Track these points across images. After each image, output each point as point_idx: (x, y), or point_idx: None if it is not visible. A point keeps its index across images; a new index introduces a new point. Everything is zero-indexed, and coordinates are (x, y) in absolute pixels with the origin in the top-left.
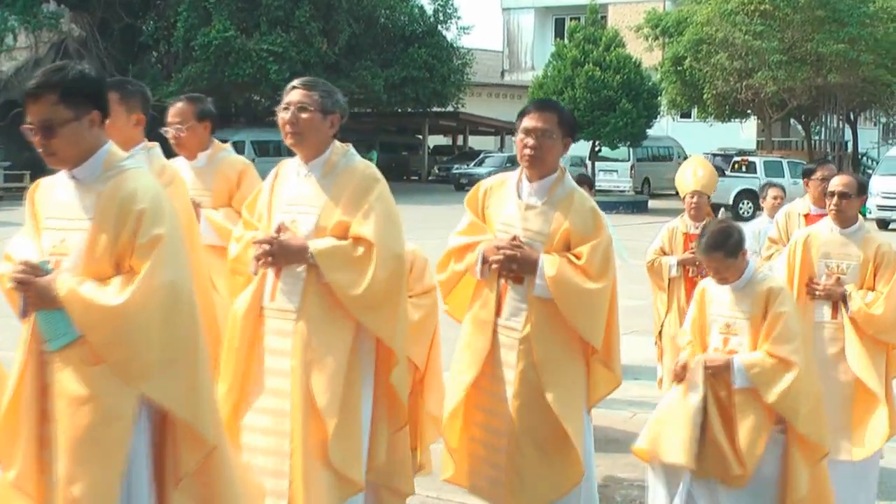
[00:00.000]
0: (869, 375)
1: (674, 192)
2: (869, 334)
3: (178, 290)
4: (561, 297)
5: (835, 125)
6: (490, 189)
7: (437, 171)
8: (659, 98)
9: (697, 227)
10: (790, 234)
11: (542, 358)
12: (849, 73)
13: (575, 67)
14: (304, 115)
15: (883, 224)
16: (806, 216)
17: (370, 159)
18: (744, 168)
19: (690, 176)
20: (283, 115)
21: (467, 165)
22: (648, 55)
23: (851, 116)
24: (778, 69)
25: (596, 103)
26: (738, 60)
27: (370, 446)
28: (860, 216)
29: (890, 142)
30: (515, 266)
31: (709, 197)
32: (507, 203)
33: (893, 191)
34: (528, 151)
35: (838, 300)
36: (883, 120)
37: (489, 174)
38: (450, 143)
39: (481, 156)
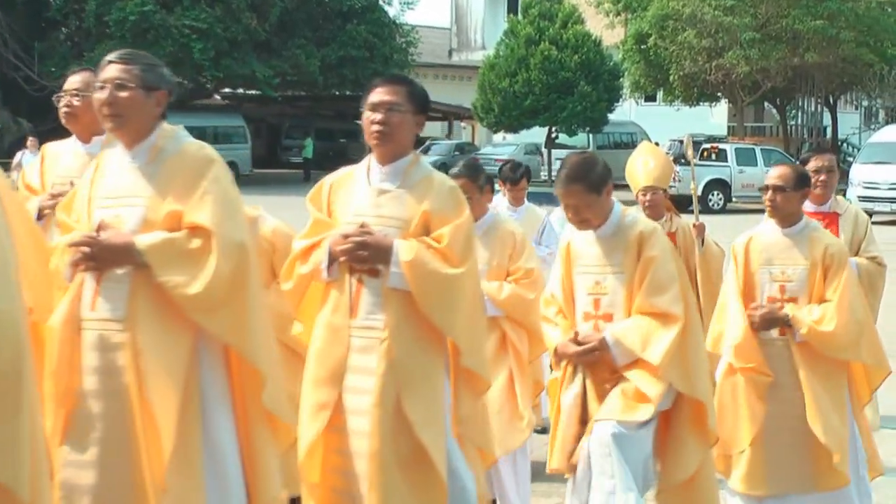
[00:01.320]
0: (824, 427)
1: None
2: (825, 355)
3: None
4: (417, 285)
5: (812, 109)
6: (336, 183)
7: None
8: (621, 80)
9: None
10: None
11: (400, 359)
12: (827, 51)
13: (529, 46)
14: (122, 94)
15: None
16: None
17: (304, 146)
18: (714, 156)
19: (641, 169)
20: (98, 96)
21: None
22: (609, 33)
23: (830, 99)
24: (750, 48)
25: (552, 86)
26: (708, 38)
27: (248, 483)
28: (844, 200)
29: (872, 127)
30: (366, 254)
31: (665, 191)
32: (356, 192)
33: (876, 180)
34: (375, 128)
35: (782, 326)
36: (864, 103)
37: (436, 163)
38: None
39: (427, 143)
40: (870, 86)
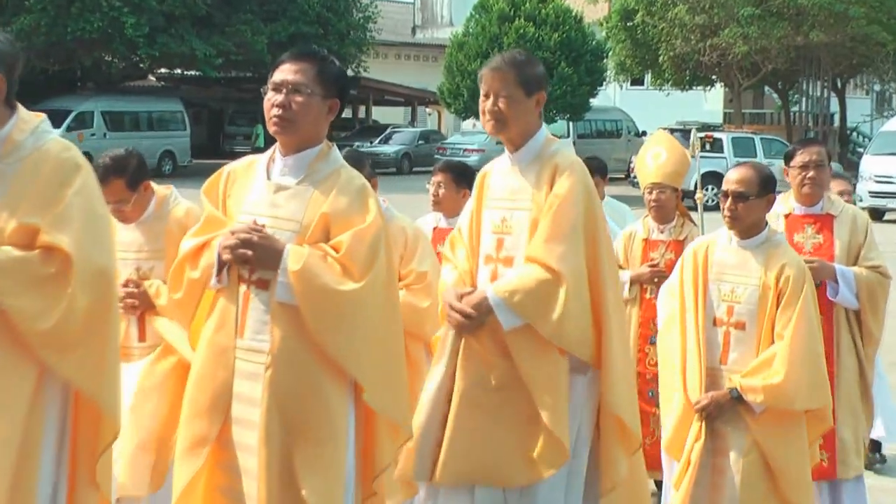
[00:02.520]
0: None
1: (623, 175)
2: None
3: None
4: (306, 300)
5: (818, 94)
6: (234, 173)
7: None
8: (605, 61)
9: (663, 232)
10: None
11: (287, 392)
12: (835, 29)
13: (503, 23)
14: None
15: (876, 214)
16: (787, 217)
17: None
18: (708, 146)
19: (650, 162)
20: None
21: (371, 143)
22: (592, 8)
23: (838, 83)
24: (749, 25)
25: None
26: (701, 14)
27: None
28: (840, 200)
29: (885, 114)
30: (250, 254)
31: (677, 190)
32: (253, 187)
33: (889, 173)
34: (275, 112)
35: (727, 403)
36: (876, 87)
37: (398, 154)
38: (350, 115)
39: (388, 131)
40: (882, 68)
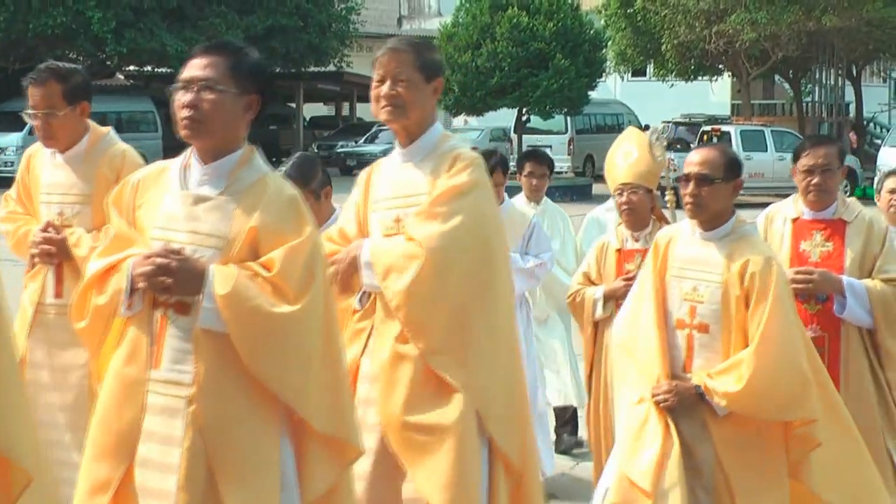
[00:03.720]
0: None
1: None
2: (756, 423)
3: None
4: (236, 326)
5: (832, 82)
6: (144, 181)
7: (316, 150)
8: (604, 51)
9: (638, 240)
10: (771, 246)
11: (214, 426)
12: (849, 13)
13: (495, 12)
14: None
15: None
16: (795, 221)
17: None
18: (715, 140)
19: (620, 161)
20: None
21: (355, 142)
22: None
23: (853, 70)
24: (757, 10)
25: (523, 59)
26: (706, 0)
27: None
28: (856, 203)
29: None
30: (169, 282)
31: (651, 191)
32: (166, 197)
33: None
34: (185, 113)
35: (690, 398)
36: (894, 74)
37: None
38: (332, 113)
39: (373, 129)
40: None
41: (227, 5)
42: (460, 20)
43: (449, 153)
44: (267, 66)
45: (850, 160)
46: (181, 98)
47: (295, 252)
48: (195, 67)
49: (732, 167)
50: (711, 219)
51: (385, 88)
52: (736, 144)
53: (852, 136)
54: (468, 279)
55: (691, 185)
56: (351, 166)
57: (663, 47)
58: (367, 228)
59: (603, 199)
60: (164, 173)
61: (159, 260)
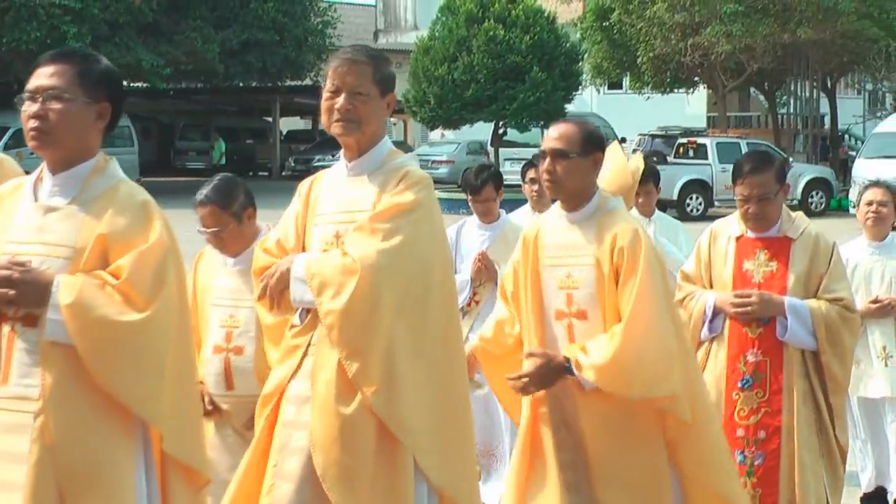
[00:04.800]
0: None
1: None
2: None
3: None
4: (82, 337)
5: (807, 94)
6: (1, 198)
7: (292, 165)
8: (580, 64)
9: None
10: (714, 266)
11: (62, 444)
12: (823, 26)
13: (471, 25)
14: None
15: None
16: (738, 239)
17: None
18: (691, 152)
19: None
20: None
21: (332, 156)
22: (565, 8)
23: (828, 83)
24: (733, 23)
25: (499, 72)
26: (682, 12)
27: None
28: (803, 219)
29: (878, 114)
30: (13, 294)
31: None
32: (19, 210)
33: (886, 178)
34: (32, 124)
35: (556, 374)
36: (868, 87)
37: None
38: (309, 126)
39: None
40: (874, 66)
41: (203, 20)
42: (437, 33)
43: (397, 170)
44: (117, 74)
45: (826, 172)
46: (27, 109)
47: (143, 258)
48: (42, 76)
49: (589, 141)
50: (571, 197)
51: (341, 101)
52: (712, 156)
53: (843, 149)
54: (401, 302)
55: (547, 161)
56: None
57: (639, 60)
58: (305, 241)
59: None
60: (20, 188)
61: (2, 272)
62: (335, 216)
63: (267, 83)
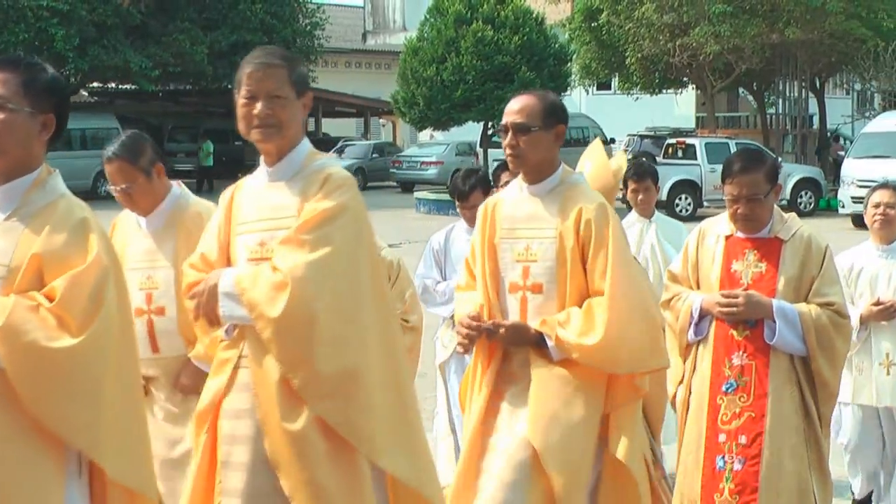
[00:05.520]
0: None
1: None
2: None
3: None
4: (12, 363)
5: (795, 94)
6: None
7: None
8: (569, 65)
9: None
10: (701, 266)
11: None
12: (812, 26)
13: (460, 26)
14: None
15: (859, 222)
16: (728, 239)
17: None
18: (680, 152)
19: None
20: None
21: None
22: (554, 9)
23: (817, 83)
24: (721, 23)
25: (488, 72)
26: (670, 13)
27: None
28: (796, 220)
29: (867, 114)
30: None
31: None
32: None
33: (873, 178)
34: None
35: (527, 339)
36: (857, 87)
37: (351, 168)
38: None
39: (340, 144)
40: (862, 66)
41: (191, 22)
42: (425, 34)
43: (318, 172)
44: (62, 84)
45: (815, 172)
46: None
47: (78, 280)
48: None
49: (552, 113)
50: (533, 170)
51: (259, 107)
52: (701, 157)
53: (836, 147)
54: (337, 308)
55: (509, 135)
56: None
57: (628, 61)
58: (230, 252)
59: None
60: None
61: None
62: (258, 224)
63: None
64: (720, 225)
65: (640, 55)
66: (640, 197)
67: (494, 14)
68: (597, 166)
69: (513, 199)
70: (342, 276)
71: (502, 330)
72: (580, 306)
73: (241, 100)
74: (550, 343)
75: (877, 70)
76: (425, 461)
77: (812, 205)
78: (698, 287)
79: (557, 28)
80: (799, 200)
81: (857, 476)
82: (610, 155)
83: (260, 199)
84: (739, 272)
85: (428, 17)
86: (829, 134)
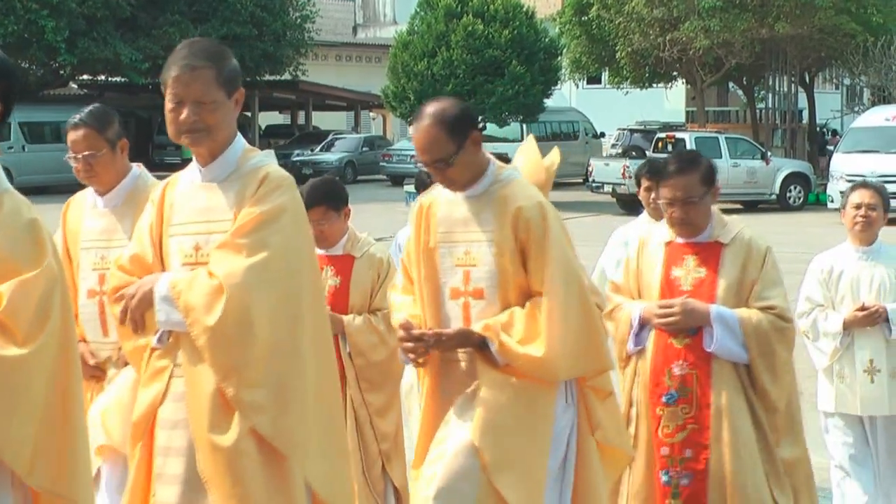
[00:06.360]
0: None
1: (581, 180)
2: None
3: None
4: None
5: (785, 89)
6: None
7: None
8: (559, 59)
9: None
10: (643, 274)
11: None
12: (801, 21)
13: (450, 20)
14: None
15: None
16: (668, 245)
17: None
18: (670, 146)
19: None
20: None
21: (311, 151)
22: (544, 2)
23: (806, 77)
24: (711, 18)
25: (478, 66)
26: (660, 7)
27: None
28: (736, 223)
29: (856, 109)
30: None
31: None
32: None
33: (861, 172)
34: None
35: (471, 343)
36: (846, 81)
37: (341, 161)
38: (288, 121)
39: (330, 137)
40: (852, 61)
41: (181, 14)
42: (416, 28)
43: (255, 172)
44: (11, 67)
45: (804, 166)
46: None
47: (27, 287)
48: None
49: (458, 130)
50: (467, 185)
51: (185, 114)
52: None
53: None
54: (275, 314)
55: (433, 171)
56: (307, 175)
57: (618, 55)
58: (163, 253)
59: (558, 206)
60: None
61: None
62: (193, 226)
63: (245, 78)
64: (661, 232)
65: (630, 49)
66: (653, 195)
67: (485, 8)
68: (529, 162)
69: (448, 199)
70: (280, 282)
71: (445, 339)
72: (523, 306)
73: (168, 103)
74: (494, 347)
75: (866, 65)
76: (344, 472)
77: (801, 199)
78: (640, 296)
79: (548, 22)
80: (788, 195)
81: (846, 496)
82: (600, 149)
83: (194, 200)
84: (679, 278)
85: (418, 10)
86: (818, 129)
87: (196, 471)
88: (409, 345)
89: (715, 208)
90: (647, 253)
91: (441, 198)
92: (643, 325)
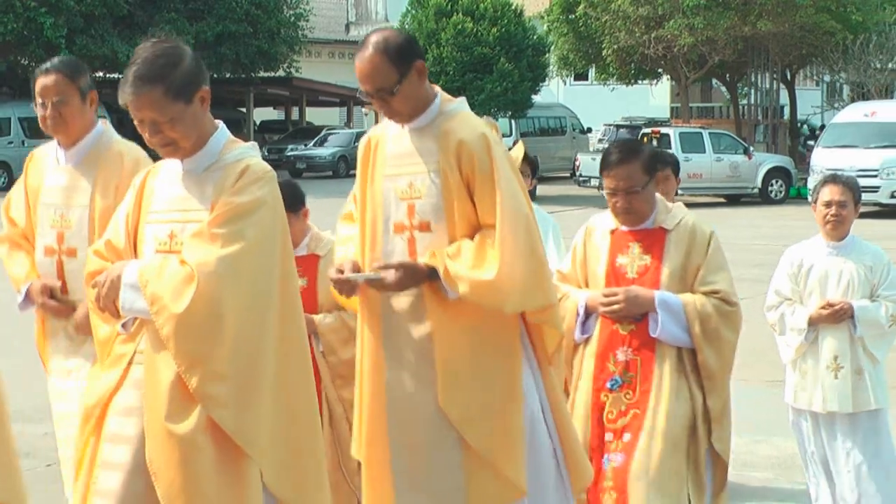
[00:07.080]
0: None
1: (568, 175)
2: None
3: None
4: None
5: (767, 86)
6: None
7: (266, 154)
8: (547, 56)
9: None
10: (589, 263)
11: None
12: (783, 19)
13: (440, 18)
14: None
15: None
16: (613, 233)
17: None
18: (655, 142)
19: None
20: None
21: (305, 146)
22: (532, 1)
23: (787, 74)
24: (695, 16)
25: (467, 63)
26: (645, 6)
27: None
28: (681, 208)
29: (836, 105)
30: None
31: None
32: None
33: (841, 167)
34: None
35: (419, 278)
36: (826, 78)
37: (334, 156)
38: (282, 117)
39: (323, 133)
40: (832, 58)
41: (177, 12)
42: (406, 26)
43: (236, 163)
44: None
45: (785, 161)
46: None
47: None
48: None
49: (403, 58)
50: (413, 115)
51: (149, 133)
52: (675, 146)
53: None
54: (245, 307)
55: (375, 102)
56: (301, 169)
57: (604, 52)
58: (137, 240)
59: (545, 200)
60: None
61: None
62: (169, 214)
63: (240, 74)
64: (606, 220)
65: (616, 47)
66: (658, 186)
67: (474, 6)
68: None
69: (392, 133)
70: (253, 275)
71: (392, 271)
72: (472, 239)
73: (139, 125)
74: (440, 271)
75: (845, 62)
76: (311, 478)
77: (783, 193)
78: (587, 284)
79: (536, 20)
80: (770, 189)
81: (819, 499)
82: (587, 144)
83: (173, 189)
84: (625, 266)
85: (409, 9)
86: (799, 125)
87: (142, 460)
88: (338, 282)
89: (659, 195)
90: (593, 241)
91: (388, 133)
92: (589, 313)
